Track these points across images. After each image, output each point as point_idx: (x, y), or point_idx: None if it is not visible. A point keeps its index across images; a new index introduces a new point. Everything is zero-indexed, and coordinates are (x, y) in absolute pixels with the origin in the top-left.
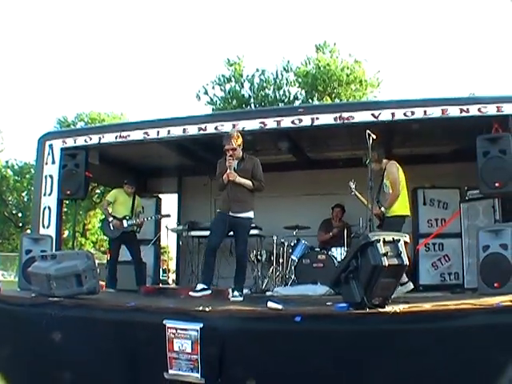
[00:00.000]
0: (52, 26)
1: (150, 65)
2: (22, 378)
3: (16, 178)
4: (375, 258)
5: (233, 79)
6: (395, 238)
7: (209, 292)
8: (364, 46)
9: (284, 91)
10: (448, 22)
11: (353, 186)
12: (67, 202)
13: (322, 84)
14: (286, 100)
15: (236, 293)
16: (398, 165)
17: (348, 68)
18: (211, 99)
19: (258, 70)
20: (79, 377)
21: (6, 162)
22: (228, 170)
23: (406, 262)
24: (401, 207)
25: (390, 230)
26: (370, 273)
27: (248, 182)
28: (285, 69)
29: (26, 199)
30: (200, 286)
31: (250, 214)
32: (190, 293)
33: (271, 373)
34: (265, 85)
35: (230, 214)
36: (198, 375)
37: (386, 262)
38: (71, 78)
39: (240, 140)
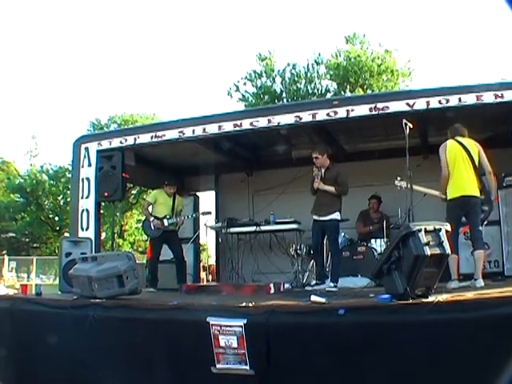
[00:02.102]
0: (83, 29)
1: (181, 64)
2: (63, 380)
3: (51, 182)
4: (417, 247)
5: (264, 74)
6: (436, 227)
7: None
8: (394, 35)
9: (315, 84)
10: (478, 7)
11: (400, 184)
12: (103, 203)
13: (354, 75)
14: (317, 93)
15: (331, 283)
16: (449, 143)
17: (379, 58)
18: (243, 96)
19: (289, 65)
20: (123, 377)
21: (41, 166)
22: (315, 179)
23: (449, 251)
24: (452, 189)
25: (447, 216)
26: (412, 263)
27: (331, 188)
28: (316, 62)
29: (62, 203)
30: (313, 282)
31: (335, 216)
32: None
33: (317, 365)
34: (296, 79)
35: (319, 218)
36: (247, 367)
37: (428, 251)
38: (103, 80)
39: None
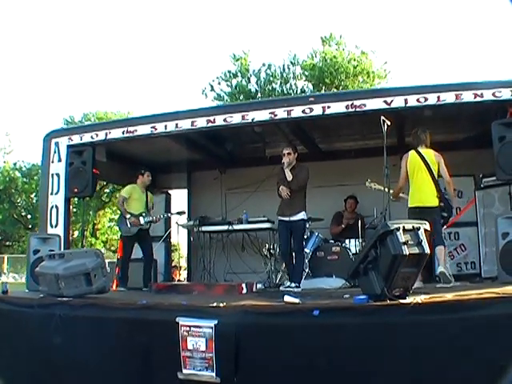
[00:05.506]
0: (57, 26)
1: (155, 63)
2: (29, 380)
3: (24, 179)
4: (395, 247)
5: (239, 74)
6: (415, 226)
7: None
8: (370, 37)
9: (291, 85)
10: (456, 8)
11: (370, 184)
12: (76, 201)
13: (329, 76)
14: (293, 93)
15: (292, 284)
16: (411, 154)
17: (355, 60)
18: (218, 95)
19: (264, 65)
20: (89, 378)
21: (14, 164)
22: (285, 174)
23: (428, 250)
24: (412, 199)
25: None
26: (390, 263)
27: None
28: (291, 62)
29: (34, 201)
30: (287, 283)
31: (302, 216)
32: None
33: (288, 368)
34: (271, 79)
35: (288, 218)
36: (213, 374)
37: (406, 250)
38: (77, 78)
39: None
